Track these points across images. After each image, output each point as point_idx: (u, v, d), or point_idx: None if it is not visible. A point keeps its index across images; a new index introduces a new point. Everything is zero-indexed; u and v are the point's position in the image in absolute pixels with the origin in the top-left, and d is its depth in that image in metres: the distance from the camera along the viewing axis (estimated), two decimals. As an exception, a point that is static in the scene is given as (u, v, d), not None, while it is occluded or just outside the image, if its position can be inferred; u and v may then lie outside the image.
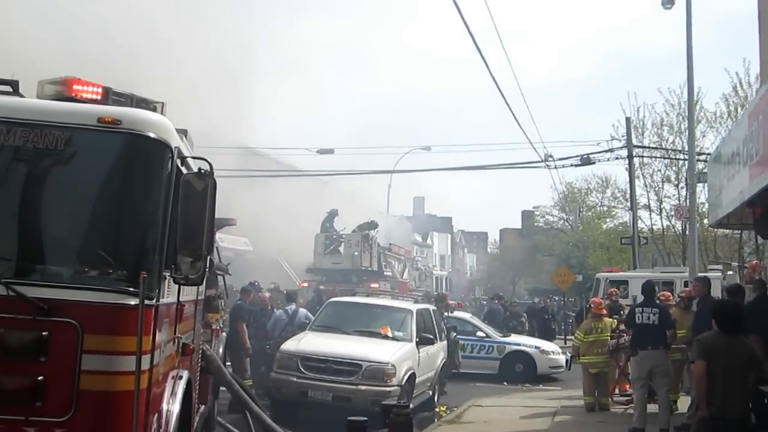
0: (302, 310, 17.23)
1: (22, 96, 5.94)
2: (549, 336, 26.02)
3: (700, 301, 13.50)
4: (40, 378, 4.93)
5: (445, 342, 17.47)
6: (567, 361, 21.38)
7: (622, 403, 15.39)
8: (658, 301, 13.41)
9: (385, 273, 28.56)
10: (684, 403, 13.25)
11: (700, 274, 16.94)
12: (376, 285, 25.70)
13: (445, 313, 21.84)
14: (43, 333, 4.96)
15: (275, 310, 17.38)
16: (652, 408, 12.66)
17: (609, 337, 15.36)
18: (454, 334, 18.29)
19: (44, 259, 5.36)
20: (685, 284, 17.88)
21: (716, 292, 21.41)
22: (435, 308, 17.87)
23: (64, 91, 5.91)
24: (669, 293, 16.23)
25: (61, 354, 4.98)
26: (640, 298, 16.71)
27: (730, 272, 30.32)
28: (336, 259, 26.67)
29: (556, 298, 42.00)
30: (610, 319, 15.83)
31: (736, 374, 7.49)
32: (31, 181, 5.42)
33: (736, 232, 30.75)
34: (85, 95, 5.90)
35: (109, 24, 22.67)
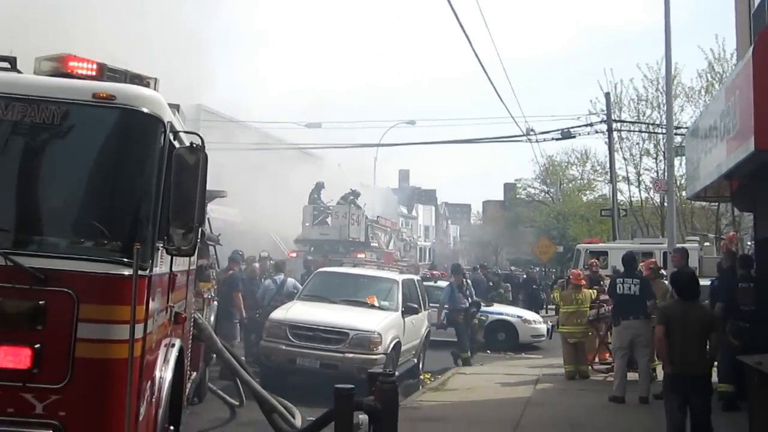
0: (290, 280, 17.27)
1: (19, 72, 5.93)
2: (537, 306, 26.13)
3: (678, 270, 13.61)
4: (37, 346, 4.96)
5: (428, 311, 17.57)
6: (548, 330, 21.57)
7: (602, 371, 15.54)
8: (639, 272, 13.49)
9: (372, 244, 28.59)
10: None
11: (678, 246, 17.05)
12: (363, 255, 25.76)
13: (435, 283, 22.01)
14: (40, 302, 4.99)
15: (264, 280, 17.41)
16: (632, 376, 12.80)
17: (588, 308, 15.47)
18: (474, 309, 18.44)
19: (41, 231, 5.38)
20: (664, 255, 18.01)
21: (693, 262, 21.65)
22: (452, 280, 18.57)
23: (60, 67, 5.92)
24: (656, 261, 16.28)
25: (57, 322, 5.01)
26: (620, 269, 16.87)
27: (707, 243, 30.58)
28: (324, 230, 26.69)
29: (537, 269, 42.20)
30: (590, 290, 15.93)
31: (694, 337, 8.25)
32: (29, 155, 5.43)
33: (713, 204, 31.01)
34: (80, 71, 5.91)
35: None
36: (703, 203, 31.04)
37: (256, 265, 17.66)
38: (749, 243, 20.62)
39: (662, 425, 10.48)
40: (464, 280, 18.89)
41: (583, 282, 15.99)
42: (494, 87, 23.64)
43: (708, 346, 8.42)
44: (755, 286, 11.29)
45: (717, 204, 30.14)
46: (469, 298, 18.39)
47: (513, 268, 39.46)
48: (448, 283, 19.42)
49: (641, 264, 15.08)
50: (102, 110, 5.42)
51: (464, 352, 17.68)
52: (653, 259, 16.37)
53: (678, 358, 8.23)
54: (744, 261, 11.96)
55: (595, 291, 15.99)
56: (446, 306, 18.10)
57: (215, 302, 12.82)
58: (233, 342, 14.61)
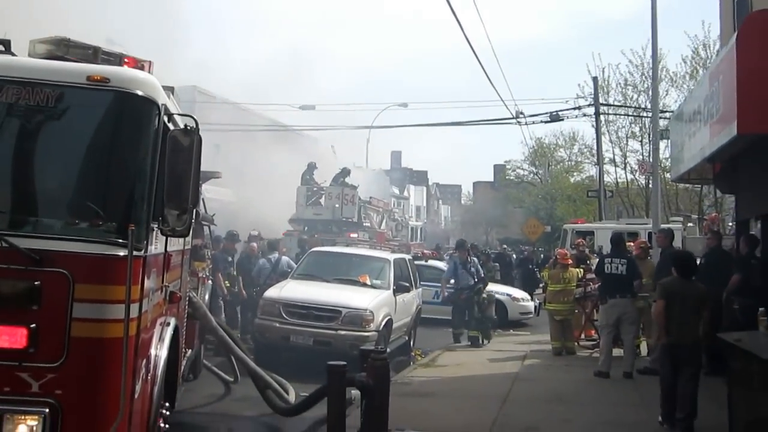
0: (284, 258, 17.25)
1: (14, 55, 5.86)
2: (533, 285, 26.08)
3: (663, 251, 13.64)
4: (32, 325, 4.92)
5: (420, 290, 17.58)
6: (536, 307, 21.63)
7: (588, 347, 15.61)
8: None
9: (364, 224, 28.53)
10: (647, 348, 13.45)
11: (663, 226, 17.08)
12: (356, 235, 25.75)
13: (426, 262, 22.01)
14: (36, 282, 4.94)
15: (259, 259, 17.36)
16: (616, 353, 12.85)
17: (575, 287, 15.52)
18: (481, 285, 17.28)
19: (36, 212, 5.32)
20: (649, 235, 18.01)
21: (677, 243, 21.66)
22: (454, 254, 18.36)
23: (54, 50, 5.85)
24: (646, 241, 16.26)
25: (52, 303, 4.97)
26: (607, 249, 16.89)
27: (690, 224, 30.67)
28: (317, 210, 26.62)
29: (526, 248, 42.27)
30: (577, 269, 15.97)
31: (689, 311, 9.05)
32: (24, 137, 5.35)
33: (696, 186, 31.11)
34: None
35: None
36: (687, 185, 31.12)
37: (254, 244, 17.62)
38: (730, 224, 20.68)
39: (645, 399, 10.64)
40: (469, 256, 17.77)
41: (570, 261, 16.03)
42: (485, 71, 23.49)
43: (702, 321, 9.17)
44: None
45: (700, 186, 30.24)
46: (475, 276, 17.23)
47: (505, 246, 39.40)
48: (451, 258, 18.54)
49: (631, 244, 15.12)
50: (96, 93, 5.35)
51: (457, 329, 17.10)
52: (643, 239, 16.37)
53: (675, 329, 9.01)
54: (751, 240, 11.93)
55: (581, 270, 16.03)
56: (450, 283, 17.27)
57: (210, 281, 12.80)
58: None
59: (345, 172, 28.03)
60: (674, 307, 9.06)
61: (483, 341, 16.67)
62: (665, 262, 13.28)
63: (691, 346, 9.04)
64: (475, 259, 18.56)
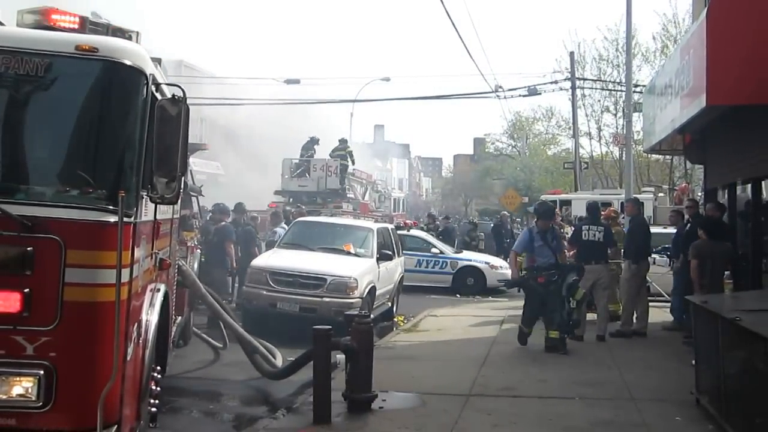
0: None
1: (2, 24, 5.77)
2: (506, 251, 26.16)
3: (632, 219, 13.76)
4: (26, 290, 4.90)
5: (403, 258, 17.62)
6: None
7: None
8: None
9: (348, 195, 28.49)
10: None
11: (633, 196, 17.20)
12: (346, 205, 25.78)
13: (408, 231, 22.05)
14: (28, 248, 4.91)
15: (275, 228, 17.30)
16: (590, 317, 12.97)
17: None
18: (576, 278, 11.65)
19: (28, 180, 5.25)
20: (621, 205, 18.16)
21: (648, 212, 21.83)
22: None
23: (42, 20, 5.77)
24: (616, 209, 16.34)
25: (45, 268, 4.94)
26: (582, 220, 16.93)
27: (661, 194, 30.88)
28: (302, 182, 26.54)
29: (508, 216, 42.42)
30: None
31: (719, 268, 10.52)
32: (13, 106, 5.28)
33: (667, 157, 31.34)
34: (62, 24, 5.77)
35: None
36: (659, 156, 31.35)
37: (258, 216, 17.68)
38: (700, 194, 20.83)
39: (617, 360, 10.79)
40: (553, 227, 12.60)
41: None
42: (465, 46, 23.45)
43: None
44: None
45: (671, 157, 30.44)
46: (557, 254, 12.02)
47: (487, 218, 39.55)
48: (525, 229, 14.05)
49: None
50: (85, 62, 5.27)
51: (528, 325, 12.06)
52: (614, 208, 16.50)
53: (707, 284, 10.24)
54: (718, 207, 12.09)
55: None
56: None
57: (198, 250, 12.78)
58: (226, 292, 14.55)
59: (314, 140, 27.74)
60: (706, 265, 10.37)
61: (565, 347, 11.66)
62: (634, 228, 13.44)
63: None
64: (556, 228, 13.54)
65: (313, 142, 27.37)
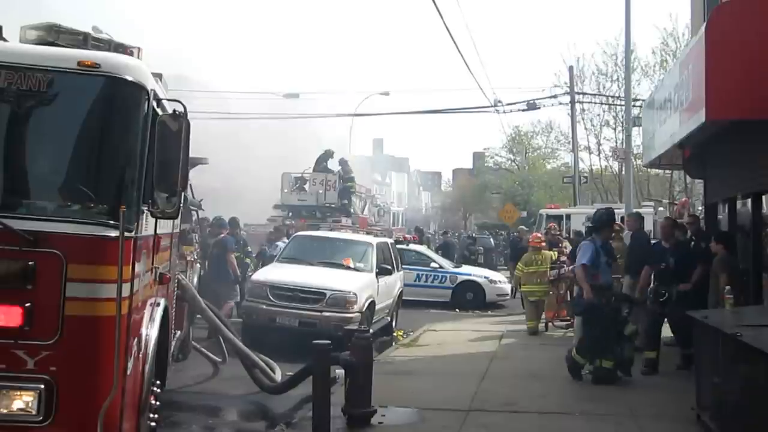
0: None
1: (5, 40, 5.82)
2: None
3: (633, 234, 13.78)
4: (27, 304, 4.92)
5: (402, 273, 17.62)
6: (512, 289, 21.78)
7: (562, 327, 15.74)
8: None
9: (344, 203, 28.41)
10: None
11: (633, 211, 17.22)
12: (344, 220, 25.74)
13: (407, 246, 22.06)
14: (30, 263, 4.94)
15: (276, 243, 17.41)
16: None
17: (549, 268, 15.65)
18: (627, 311, 10.38)
19: (30, 194, 5.31)
20: (622, 219, 18.17)
21: (648, 226, 21.82)
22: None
23: (45, 36, 5.82)
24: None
25: (47, 282, 4.97)
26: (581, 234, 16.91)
27: (661, 208, 30.92)
28: (302, 196, 26.55)
29: (503, 233, 42.44)
30: (550, 252, 16.10)
31: (739, 281, 10.12)
32: (16, 122, 5.32)
33: (667, 172, 31.35)
34: (65, 40, 5.81)
35: None
36: (658, 171, 31.38)
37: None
38: (700, 208, 20.87)
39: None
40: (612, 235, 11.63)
41: (543, 244, 16.17)
42: (465, 61, 23.58)
43: None
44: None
45: (671, 171, 30.47)
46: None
47: (486, 232, 39.60)
48: (586, 241, 11.29)
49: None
50: (87, 78, 5.31)
51: (586, 355, 10.49)
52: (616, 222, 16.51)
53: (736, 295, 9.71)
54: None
55: (555, 253, 16.16)
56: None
57: (198, 264, 12.79)
58: (233, 302, 14.78)
59: (328, 153, 27.82)
60: (734, 277, 10.03)
61: (620, 374, 10.44)
62: (635, 243, 13.45)
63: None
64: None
65: (328, 155, 27.37)
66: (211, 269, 14.34)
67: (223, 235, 15.35)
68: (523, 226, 30.22)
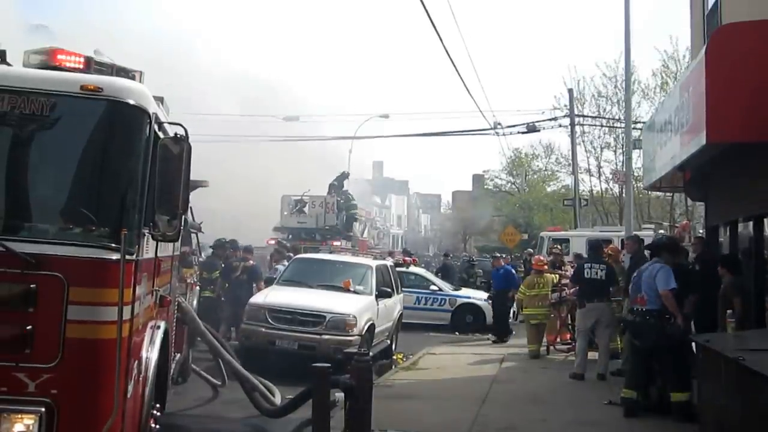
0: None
1: (9, 65, 5.90)
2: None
3: (633, 256, 13.77)
4: (29, 327, 4.94)
5: (401, 295, 17.61)
6: (513, 312, 21.73)
7: (563, 351, 15.71)
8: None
9: (348, 233, 28.53)
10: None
11: (633, 233, 17.23)
12: (339, 243, 25.76)
13: (407, 269, 22.05)
14: (31, 285, 4.97)
15: (277, 266, 17.56)
16: (591, 356, 12.96)
17: (550, 291, 15.65)
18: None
19: (31, 217, 5.35)
20: (622, 242, 18.19)
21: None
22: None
23: (48, 60, 5.89)
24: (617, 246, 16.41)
25: (48, 305, 5.00)
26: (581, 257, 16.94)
27: (661, 231, 30.90)
28: (301, 218, 26.63)
29: (503, 255, 42.36)
30: (552, 275, 16.10)
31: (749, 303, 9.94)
32: (19, 145, 5.38)
33: (668, 194, 31.38)
34: (68, 64, 5.90)
35: None
36: (659, 193, 31.40)
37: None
38: (701, 231, 20.88)
39: (618, 399, 10.72)
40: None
41: (545, 267, 16.18)
42: (464, 83, 23.75)
43: None
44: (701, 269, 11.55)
45: (671, 194, 30.53)
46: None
47: (486, 255, 39.48)
48: (660, 264, 10.14)
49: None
50: (89, 102, 5.38)
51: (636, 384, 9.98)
52: (614, 245, 16.55)
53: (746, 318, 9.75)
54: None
55: (557, 276, 16.16)
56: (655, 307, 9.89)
57: (197, 287, 12.82)
58: None
59: (344, 175, 27.90)
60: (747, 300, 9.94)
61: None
62: (635, 266, 13.43)
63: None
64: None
65: (344, 177, 27.48)
66: (232, 291, 15.12)
67: (252, 263, 16.01)
68: (530, 249, 30.18)
